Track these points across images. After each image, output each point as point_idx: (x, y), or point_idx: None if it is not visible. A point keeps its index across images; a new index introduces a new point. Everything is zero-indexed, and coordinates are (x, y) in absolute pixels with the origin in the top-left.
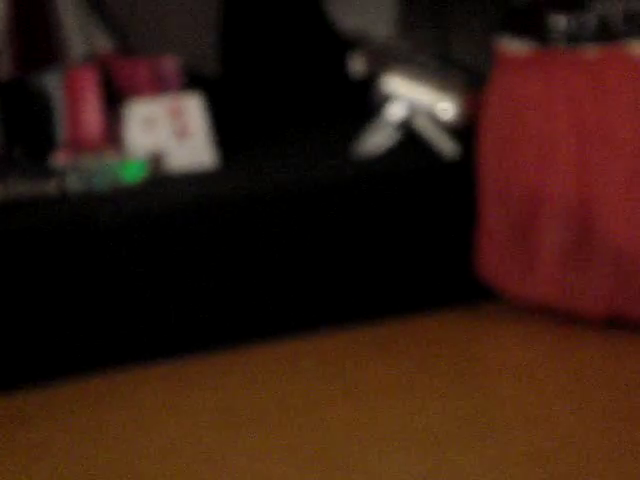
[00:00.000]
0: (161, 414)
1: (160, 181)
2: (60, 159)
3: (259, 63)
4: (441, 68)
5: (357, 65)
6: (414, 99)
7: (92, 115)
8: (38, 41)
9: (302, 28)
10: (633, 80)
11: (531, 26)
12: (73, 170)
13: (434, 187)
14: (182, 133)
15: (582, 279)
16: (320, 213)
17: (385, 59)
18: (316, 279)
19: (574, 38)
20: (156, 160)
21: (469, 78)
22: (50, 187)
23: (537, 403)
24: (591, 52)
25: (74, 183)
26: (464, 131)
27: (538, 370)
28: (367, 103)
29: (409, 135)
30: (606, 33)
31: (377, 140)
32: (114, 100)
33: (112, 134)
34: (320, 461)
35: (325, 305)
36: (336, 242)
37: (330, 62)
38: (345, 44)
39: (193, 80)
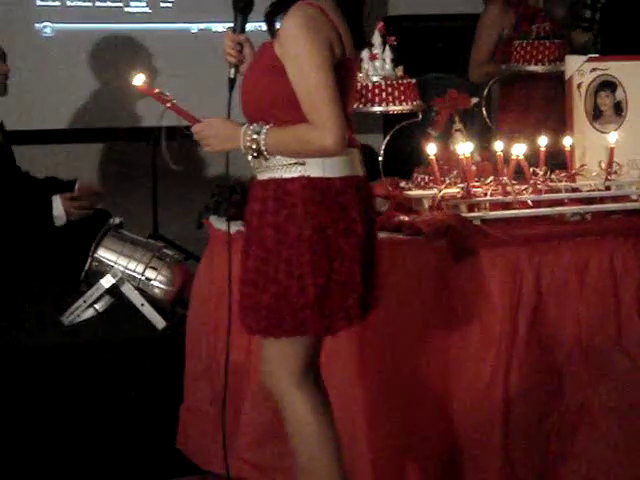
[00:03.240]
0: None
1: None
2: None
3: None
4: (151, 243)
5: (58, 205)
6: (125, 270)
7: None
8: None
9: None
10: None
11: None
12: None
13: (143, 357)
14: None
15: (278, 458)
16: (27, 378)
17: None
18: (22, 446)
19: None
20: None
21: (178, 253)
22: None
23: None
24: None
25: None
26: (174, 304)
27: None
28: (80, 270)
29: (120, 304)
30: None
31: (87, 307)
32: None
33: None
34: None
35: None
36: (44, 408)
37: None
38: None
39: None
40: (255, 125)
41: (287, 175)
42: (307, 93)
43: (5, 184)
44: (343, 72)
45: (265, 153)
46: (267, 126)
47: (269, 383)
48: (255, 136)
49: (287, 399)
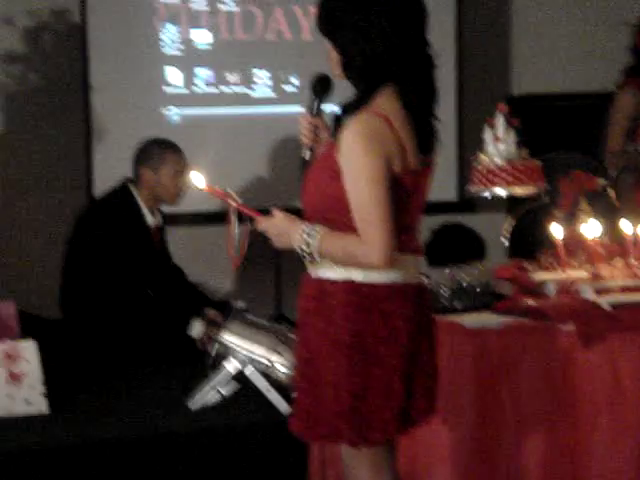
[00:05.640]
0: None
1: None
2: None
3: (99, 309)
4: (275, 326)
5: (196, 328)
6: (250, 354)
7: None
8: None
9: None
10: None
11: None
12: None
13: (269, 443)
14: (15, 378)
15: None
16: (155, 463)
17: (222, 316)
18: None
19: None
20: None
21: None
22: None
23: None
24: None
25: None
26: None
27: None
28: (205, 355)
29: (245, 389)
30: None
31: (213, 392)
32: None
33: None
34: None
35: None
36: None
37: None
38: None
39: (29, 325)
40: (308, 228)
41: (332, 276)
42: (359, 207)
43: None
44: (404, 186)
45: (316, 257)
46: (321, 230)
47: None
48: (308, 239)
49: None
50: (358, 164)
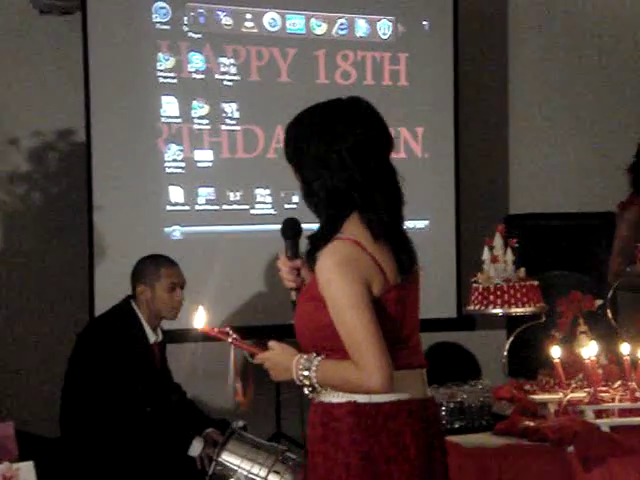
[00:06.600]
0: None
1: None
2: None
3: (98, 428)
4: (274, 446)
5: (195, 447)
6: (248, 474)
7: None
8: None
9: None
10: None
11: None
12: None
13: None
14: None
15: None
16: None
17: (221, 435)
18: None
19: None
20: None
21: (301, 456)
22: None
23: None
24: None
25: None
26: None
27: None
28: (204, 475)
29: None
30: None
31: None
32: None
33: None
34: None
35: None
36: None
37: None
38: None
39: (28, 444)
40: (305, 360)
41: (335, 400)
42: (347, 334)
43: (153, 405)
44: (389, 303)
45: (317, 387)
46: (316, 361)
47: None
48: (306, 372)
49: None
50: (337, 293)
